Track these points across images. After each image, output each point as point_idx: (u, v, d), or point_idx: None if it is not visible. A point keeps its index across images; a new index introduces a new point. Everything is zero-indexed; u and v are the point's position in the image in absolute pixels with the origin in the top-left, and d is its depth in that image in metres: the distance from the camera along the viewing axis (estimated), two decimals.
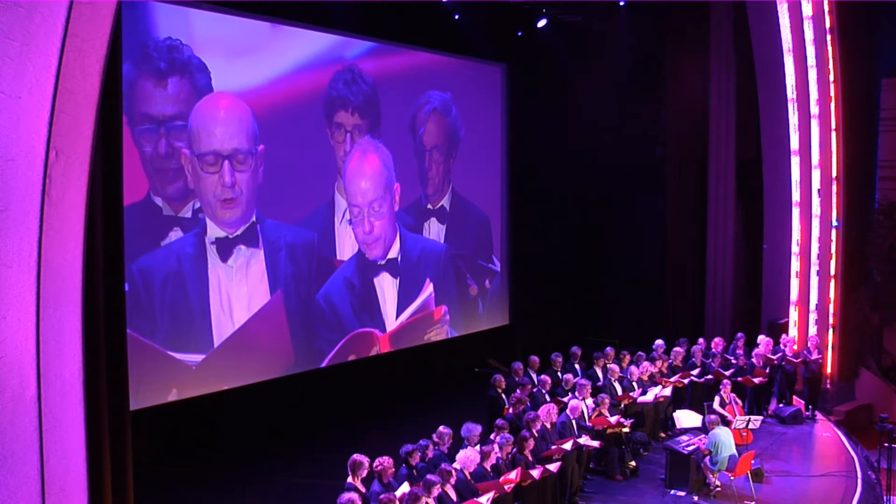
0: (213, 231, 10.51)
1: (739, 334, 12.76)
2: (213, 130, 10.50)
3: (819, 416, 12.63)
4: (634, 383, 10.74)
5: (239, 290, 10.83)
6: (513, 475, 7.63)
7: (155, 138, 9.81)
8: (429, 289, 13.81)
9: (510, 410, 9.44)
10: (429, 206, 14.13)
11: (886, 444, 10.11)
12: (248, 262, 10.94)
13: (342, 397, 12.13)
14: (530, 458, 8.20)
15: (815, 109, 14.84)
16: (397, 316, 13.27)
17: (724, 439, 9.26)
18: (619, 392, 10.53)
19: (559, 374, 10.79)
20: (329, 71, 12.03)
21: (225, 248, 10.65)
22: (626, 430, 9.96)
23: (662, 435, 11.08)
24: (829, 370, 14.78)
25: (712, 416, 9.65)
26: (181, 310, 10.16)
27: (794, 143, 14.72)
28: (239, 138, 10.76)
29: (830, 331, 15.05)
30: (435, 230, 14.26)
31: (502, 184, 15.80)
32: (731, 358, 12.12)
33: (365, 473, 7.04)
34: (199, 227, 10.34)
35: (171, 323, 10.04)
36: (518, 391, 9.91)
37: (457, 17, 13.89)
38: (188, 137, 10.18)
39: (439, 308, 14.05)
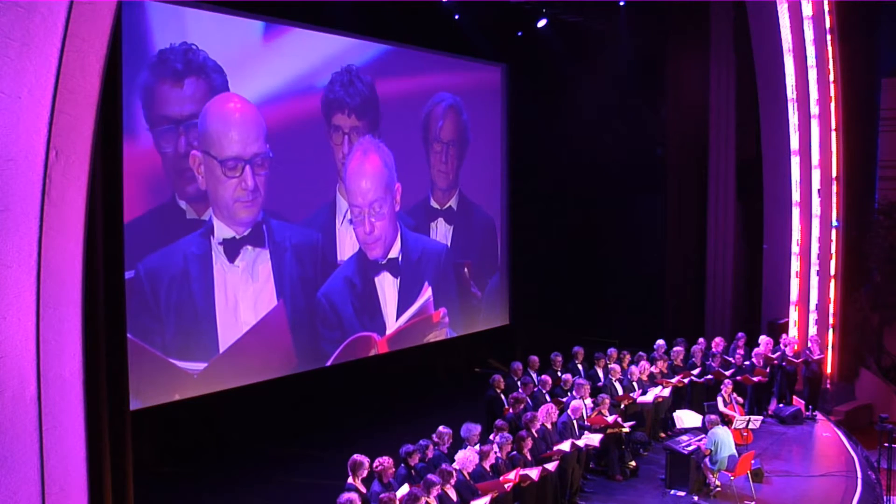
0: (222, 231, 10.54)
1: (740, 334, 12.76)
2: (230, 134, 10.56)
3: (819, 416, 12.63)
4: (635, 383, 10.74)
5: (245, 291, 10.85)
6: (512, 475, 7.64)
7: (174, 138, 9.92)
8: (427, 292, 13.81)
9: (510, 410, 9.44)
10: (436, 205, 14.14)
11: (886, 444, 10.10)
12: (255, 262, 10.97)
13: (342, 397, 12.13)
14: (529, 458, 8.20)
15: (815, 109, 14.83)
16: (397, 318, 13.28)
17: (724, 439, 9.27)
18: (620, 392, 10.53)
19: (559, 374, 10.79)
20: (328, 72, 12.03)
21: (232, 249, 10.68)
22: (625, 430, 9.96)
23: (662, 435, 11.08)
24: (829, 370, 14.78)
25: (712, 416, 9.64)
26: (187, 310, 10.18)
27: (794, 143, 14.72)
28: (259, 142, 10.86)
29: (830, 331, 15.05)
30: (442, 231, 14.28)
31: (502, 184, 15.80)
32: (731, 358, 12.12)
33: (365, 473, 7.04)
34: (204, 228, 10.38)
35: (177, 323, 10.05)
36: (520, 390, 9.92)
37: (457, 17, 13.89)
38: (201, 140, 10.22)
39: (438, 311, 14.05)
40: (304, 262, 11.69)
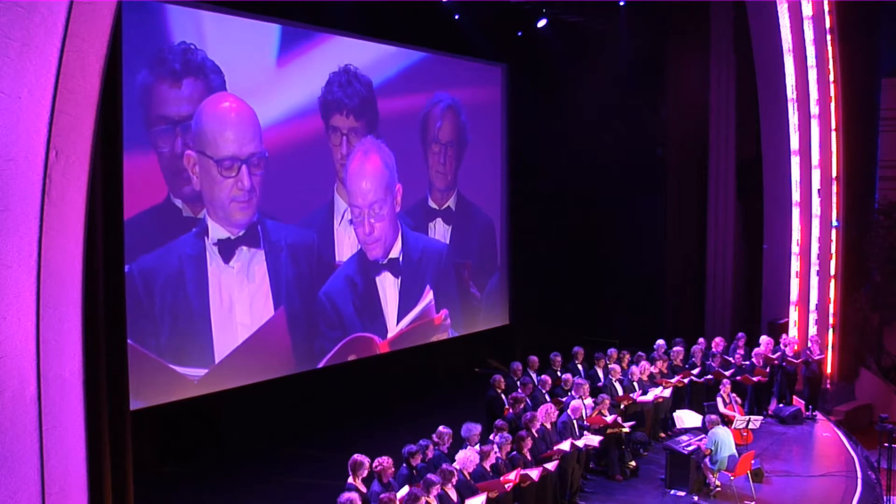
0: (216, 232, 10.52)
1: (740, 334, 12.77)
2: (226, 134, 10.56)
3: (819, 416, 12.63)
4: (635, 383, 10.74)
5: (241, 292, 10.83)
6: (512, 475, 7.64)
7: (171, 138, 9.92)
8: (429, 296, 13.81)
9: (510, 410, 9.44)
10: (434, 205, 14.14)
11: (886, 444, 10.11)
12: (250, 262, 10.94)
13: (342, 397, 12.13)
14: (529, 458, 8.20)
15: (815, 109, 14.84)
16: (398, 321, 13.26)
17: (724, 439, 9.27)
18: (620, 392, 10.53)
19: (559, 374, 10.79)
20: (326, 72, 12.01)
21: (227, 250, 10.65)
22: (625, 430, 9.96)
23: (662, 435, 11.08)
24: (829, 370, 14.78)
25: (712, 416, 9.64)
26: (182, 311, 10.15)
27: (794, 143, 14.72)
28: (255, 142, 10.86)
29: (830, 331, 15.05)
30: (440, 231, 14.27)
31: (502, 184, 15.80)
32: (731, 358, 12.12)
33: (365, 473, 7.04)
34: (198, 228, 10.37)
35: (173, 325, 10.02)
36: (520, 390, 9.92)
37: (457, 17, 13.90)
38: (196, 140, 10.21)
39: (440, 314, 14.05)
40: (300, 263, 11.66)
